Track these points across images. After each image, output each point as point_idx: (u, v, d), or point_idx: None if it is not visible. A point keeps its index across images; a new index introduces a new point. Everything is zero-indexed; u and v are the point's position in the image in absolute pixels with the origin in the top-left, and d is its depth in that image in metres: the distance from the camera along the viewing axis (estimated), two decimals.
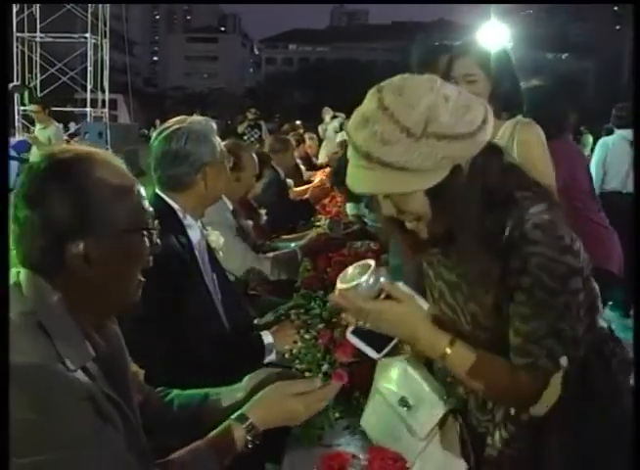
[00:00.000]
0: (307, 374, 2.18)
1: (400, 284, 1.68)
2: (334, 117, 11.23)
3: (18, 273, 1.44)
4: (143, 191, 1.56)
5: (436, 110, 1.45)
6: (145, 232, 1.52)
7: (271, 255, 3.76)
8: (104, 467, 1.35)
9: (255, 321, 2.97)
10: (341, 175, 4.42)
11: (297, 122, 10.93)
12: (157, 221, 1.57)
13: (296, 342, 2.29)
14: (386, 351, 1.69)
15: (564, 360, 1.55)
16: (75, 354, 1.38)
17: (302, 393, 1.66)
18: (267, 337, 2.61)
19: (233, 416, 1.62)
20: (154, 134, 2.75)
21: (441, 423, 1.71)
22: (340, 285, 1.63)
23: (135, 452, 1.45)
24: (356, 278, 1.62)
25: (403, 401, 1.76)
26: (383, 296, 1.62)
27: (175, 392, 1.88)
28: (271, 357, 2.58)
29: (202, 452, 1.54)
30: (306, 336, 2.27)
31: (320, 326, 2.29)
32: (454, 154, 1.46)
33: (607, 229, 4.14)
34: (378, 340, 1.67)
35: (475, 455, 1.75)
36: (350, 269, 1.67)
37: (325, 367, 2.18)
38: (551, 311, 1.51)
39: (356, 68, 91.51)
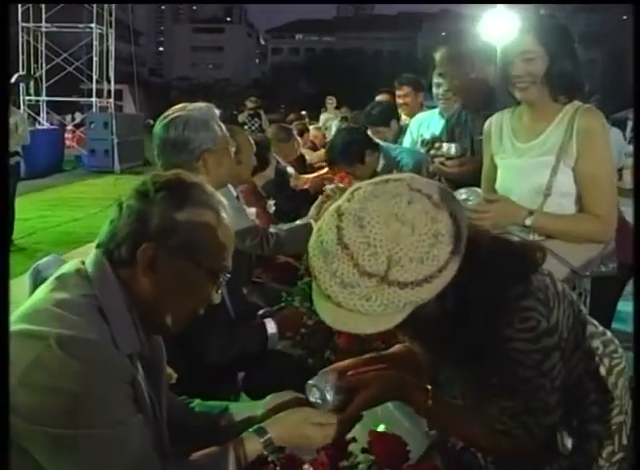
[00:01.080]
0: (310, 360, 2.19)
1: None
2: (344, 118, 11.15)
3: (82, 262, 1.53)
4: (232, 244, 1.62)
5: (400, 249, 1.34)
6: (215, 279, 1.58)
7: (286, 227, 3.71)
8: (129, 454, 1.39)
9: (261, 312, 2.96)
10: (333, 155, 4.44)
11: (302, 112, 10.89)
12: (227, 276, 1.61)
13: (299, 328, 2.30)
14: None
15: (537, 430, 1.56)
16: (127, 341, 1.46)
17: (323, 423, 1.68)
18: (270, 324, 2.61)
19: (252, 428, 1.65)
20: (156, 123, 2.75)
21: (423, 456, 1.73)
22: None
23: (157, 451, 1.50)
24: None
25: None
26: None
27: (197, 401, 1.92)
28: (274, 344, 2.58)
29: (218, 458, 1.57)
30: (309, 322, 2.27)
31: None
32: (417, 299, 1.37)
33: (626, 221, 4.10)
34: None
35: None
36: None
37: (327, 354, 2.18)
38: (525, 394, 1.53)
39: (363, 58, 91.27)
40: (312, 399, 1.63)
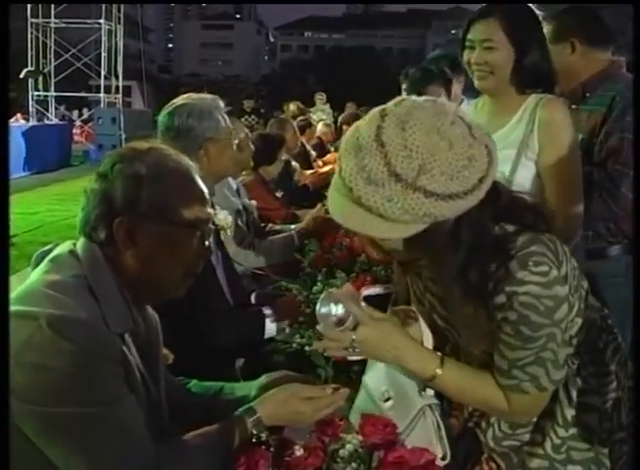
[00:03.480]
0: (307, 348, 2.20)
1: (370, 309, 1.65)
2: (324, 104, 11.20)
3: (74, 244, 1.56)
4: (206, 194, 1.63)
5: (434, 159, 1.34)
6: (194, 231, 1.59)
7: (269, 239, 3.74)
8: (119, 434, 1.40)
9: (254, 294, 2.98)
10: None
11: (294, 104, 10.79)
12: (221, 225, 1.62)
13: (296, 316, 2.31)
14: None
15: (547, 383, 1.55)
16: (118, 320, 1.48)
17: (313, 397, 1.68)
18: (268, 311, 2.62)
19: (242, 408, 1.66)
20: (160, 112, 2.79)
21: (417, 420, 1.71)
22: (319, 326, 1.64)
23: (153, 430, 1.50)
24: (323, 308, 1.60)
25: (385, 396, 1.78)
26: (350, 325, 1.59)
27: (194, 381, 1.94)
28: (271, 332, 2.59)
29: (210, 437, 1.58)
30: (307, 310, 2.29)
31: None
32: (437, 214, 1.36)
33: None
34: None
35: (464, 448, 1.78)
36: (318, 303, 1.64)
37: None
38: (536, 342, 1.50)
39: (372, 55, 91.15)
40: (322, 310, 1.61)
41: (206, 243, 1.64)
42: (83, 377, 1.35)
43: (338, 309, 1.59)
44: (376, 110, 1.44)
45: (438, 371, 1.60)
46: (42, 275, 1.49)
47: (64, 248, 1.56)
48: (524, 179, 2.53)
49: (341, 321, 1.59)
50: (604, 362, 1.73)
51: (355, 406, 1.89)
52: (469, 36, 2.55)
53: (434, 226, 1.40)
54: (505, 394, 1.58)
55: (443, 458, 1.68)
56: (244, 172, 4.29)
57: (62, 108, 23.55)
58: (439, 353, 1.65)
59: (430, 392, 1.72)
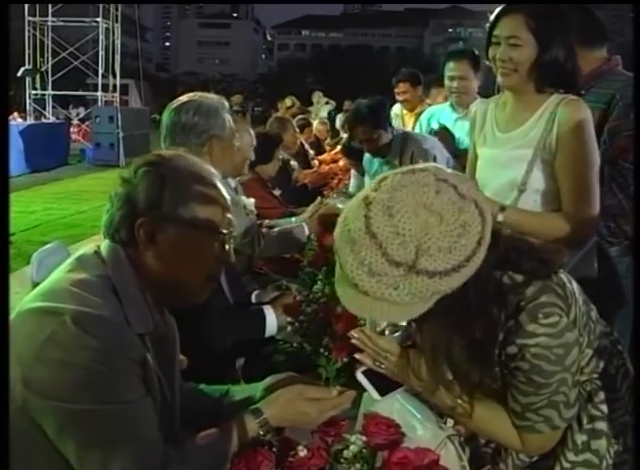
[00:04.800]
0: (308, 347, 2.19)
1: None
2: (326, 103, 11.24)
3: (98, 246, 1.59)
4: (228, 200, 1.65)
5: (428, 238, 1.33)
6: (214, 235, 1.60)
7: (277, 229, 3.73)
8: (133, 434, 1.41)
9: (254, 294, 2.98)
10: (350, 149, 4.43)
11: (289, 100, 10.78)
12: (233, 233, 1.65)
13: (297, 315, 2.30)
14: (388, 396, 1.74)
15: (559, 422, 1.57)
16: (139, 320, 1.50)
17: (318, 399, 1.68)
18: (268, 310, 2.62)
19: (249, 409, 1.66)
20: (166, 108, 2.81)
21: (439, 452, 1.68)
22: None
23: (164, 432, 1.51)
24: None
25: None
26: (409, 342, 1.66)
27: (202, 384, 1.95)
28: (272, 331, 2.59)
29: (216, 438, 1.58)
30: (308, 309, 2.28)
31: (322, 300, 2.30)
32: (444, 289, 1.36)
33: None
34: (385, 383, 1.72)
35: None
36: None
37: (326, 341, 2.19)
38: (548, 388, 1.52)
39: (369, 54, 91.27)
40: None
41: (227, 247, 1.64)
42: (104, 374, 1.37)
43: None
44: (359, 197, 1.42)
45: (459, 401, 1.62)
46: (67, 273, 1.51)
47: (89, 248, 1.59)
48: (538, 181, 2.50)
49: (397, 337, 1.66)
50: (615, 388, 1.74)
51: None
52: (495, 32, 2.51)
53: (442, 298, 1.40)
54: (519, 433, 1.60)
55: None
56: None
57: (58, 106, 23.49)
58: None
59: (450, 423, 1.74)
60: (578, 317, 1.59)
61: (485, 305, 1.49)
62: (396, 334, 1.73)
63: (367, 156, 4.84)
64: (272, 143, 5.00)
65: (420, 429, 1.73)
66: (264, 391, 1.80)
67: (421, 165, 1.45)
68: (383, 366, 1.67)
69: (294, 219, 3.94)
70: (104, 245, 1.58)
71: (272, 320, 2.58)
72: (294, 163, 6.37)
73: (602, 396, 1.71)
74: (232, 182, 3.59)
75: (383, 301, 1.37)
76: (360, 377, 1.73)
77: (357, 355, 1.73)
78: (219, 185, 1.64)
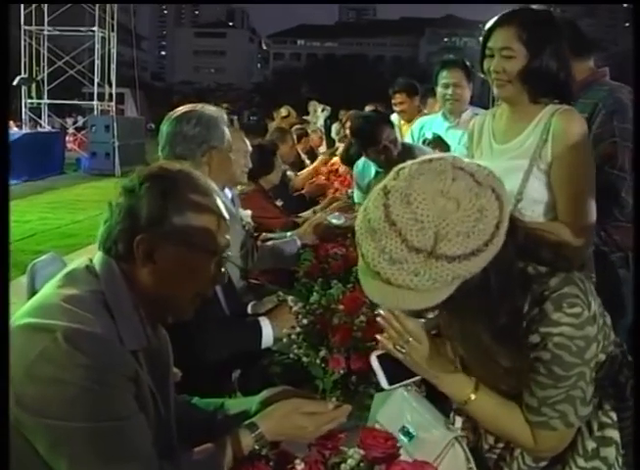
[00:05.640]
0: (305, 359, 2.19)
1: None
2: (323, 109, 11.26)
3: (90, 260, 1.57)
4: (228, 221, 1.65)
5: (447, 224, 1.35)
6: (213, 256, 1.61)
7: (270, 243, 3.75)
8: (128, 450, 1.40)
9: (250, 305, 2.98)
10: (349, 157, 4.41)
11: (284, 110, 10.79)
12: (228, 254, 1.66)
13: (294, 327, 2.30)
14: (397, 385, 1.74)
15: (574, 420, 1.58)
16: (132, 336, 1.49)
17: (314, 412, 1.68)
18: (265, 322, 2.61)
19: (244, 423, 1.66)
20: (165, 118, 2.81)
21: (446, 452, 1.70)
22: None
23: (160, 448, 1.50)
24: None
25: (404, 430, 1.76)
26: (434, 332, 1.68)
27: (196, 398, 1.94)
28: (268, 342, 2.58)
29: (211, 453, 1.58)
30: (304, 321, 2.28)
31: (318, 312, 2.30)
32: (464, 273, 1.38)
33: None
34: (397, 373, 1.72)
35: None
36: None
37: (322, 353, 2.19)
38: (567, 381, 1.53)
39: (364, 63, 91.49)
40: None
41: (222, 269, 1.65)
42: (96, 392, 1.35)
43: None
44: (378, 188, 1.45)
45: (472, 396, 1.65)
46: (58, 289, 1.49)
47: (80, 262, 1.57)
48: (535, 191, 2.51)
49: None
50: (624, 397, 1.74)
51: None
52: (489, 44, 2.53)
53: (464, 284, 1.42)
54: (532, 430, 1.61)
55: None
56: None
57: (54, 115, 23.48)
58: (474, 379, 1.68)
59: (457, 424, 1.73)
60: (597, 315, 1.60)
61: (509, 292, 1.51)
62: (421, 320, 1.72)
63: (359, 167, 4.84)
64: (269, 152, 5.02)
65: (428, 430, 1.73)
66: (260, 404, 1.79)
67: (439, 154, 1.49)
68: (403, 350, 1.66)
69: (289, 234, 3.95)
70: (97, 258, 1.56)
71: (268, 332, 2.58)
72: (290, 173, 6.38)
73: (612, 403, 1.72)
74: (229, 193, 3.59)
75: (405, 288, 1.39)
76: (373, 361, 1.73)
77: (379, 336, 1.72)
78: (221, 205, 1.64)
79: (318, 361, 2.17)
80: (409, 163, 1.46)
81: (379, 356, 1.73)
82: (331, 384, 2.13)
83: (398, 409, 1.80)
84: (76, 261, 1.58)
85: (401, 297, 1.41)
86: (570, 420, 1.57)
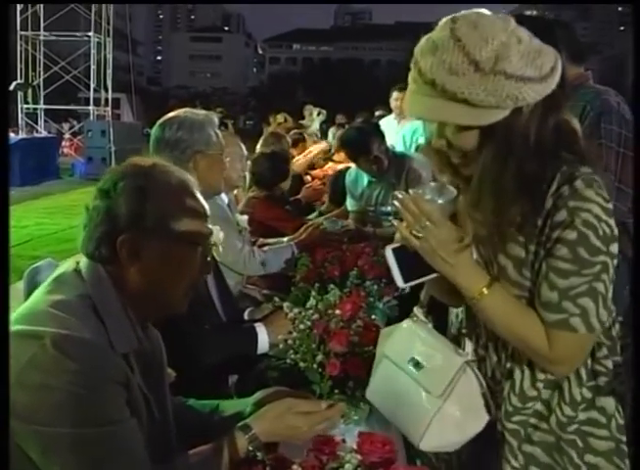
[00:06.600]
0: (302, 364, 2.19)
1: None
2: (318, 113, 11.26)
3: (77, 262, 1.55)
4: (207, 210, 1.65)
5: (508, 49, 1.44)
6: (196, 247, 1.59)
7: (266, 249, 3.76)
8: (120, 456, 1.39)
9: (247, 311, 2.98)
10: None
11: (281, 115, 10.76)
12: (213, 241, 1.65)
13: (290, 332, 2.30)
14: (412, 283, 1.63)
15: (595, 321, 1.52)
16: (122, 340, 1.48)
17: (308, 412, 1.68)
18: (260, 328, 2.62)
19: (238, 425, 1.65)
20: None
21: (458, 378, 1.66)
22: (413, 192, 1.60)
23: (156, 451, 1.50)
24: (428, 193, 1.59)
25: (413, 361, 1.71)
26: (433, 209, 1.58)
27: (192, 400, 1.93)
28: (264, 348, 2.59)
29: (206, 456, 1.57)
30: (301, 326, 2.28)
31: (315, 317, 2.30)
32: (518, 95, 1.44)
33: None
34: (412, 269, 1.61)
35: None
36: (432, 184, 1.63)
37: (319, 357, 2.19)
38: (592, 269, 1.50)
39: (360, 67, 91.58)
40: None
41: (208, 258, 1.64)
42: (85, 398, 1.35)
43: (439, 199, 1.59)
44: (446, 18, 1.52)
45: (485, 291, 1.58)
46: (46, 295, 1.48)
47: (68, 266, 1.55)
48: None
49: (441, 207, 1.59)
50: (616, 351, 1.71)
51: (377, 379, 1.83)
52: None
53: (511, 119, 1.48)
54: (549, 332, 1.55)
55: (489, 413, 1.68)
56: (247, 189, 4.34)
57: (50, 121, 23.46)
58: (488, 275, 1.63)
59: (468, 349, 1.71)
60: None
61: (542, 144, 1.53)
62: (440, 200, 1.61)
63: (352, 176, 4.86)
64: (284, 160, 5.12)
65: (437, 358, 1.69)
66: (254, 406, 1.79)
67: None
68: (420, 235, 1.56)
69: (285, 239, 3.96)
70: (83, 263, 1.54)
71: (264, 338, 2.58)
72: None
73: (605, 351, 1.69)
74: (225, 198, 3.60)
75: (457, 101, 1.45)
76: (389, 254, 1.61)
77: (395, 222, 1.64)
78: (198, 195, 1.63)
79: (315, 366, 2.17)
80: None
81: (394, 250, 1.62)
82: (328, 389, 2.13)
83: (406, 341, 1.76)
84: (65, 264, 1.57)
85: (452, 109, 1.46)
86: (590, 321, 1.51)
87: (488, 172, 1.55)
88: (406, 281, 1.62)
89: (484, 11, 1.52)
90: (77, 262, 1.55)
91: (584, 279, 1.50)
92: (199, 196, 1.63)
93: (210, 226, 2.83)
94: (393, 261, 1.61)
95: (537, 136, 1.52)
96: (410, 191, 1.60)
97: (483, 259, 1.70)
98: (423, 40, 1.53)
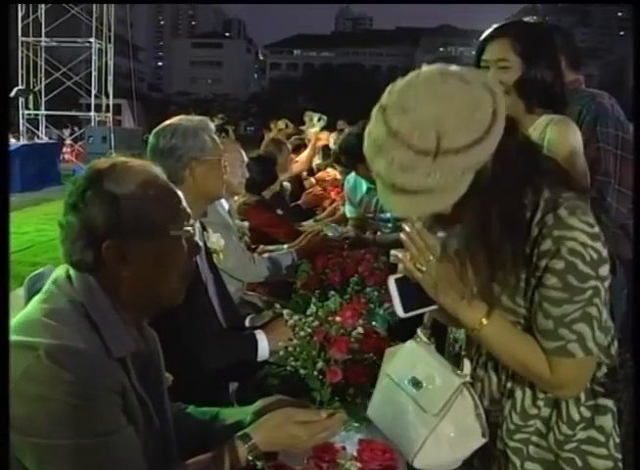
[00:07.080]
0: (302, 371, 2.19)
1: None
2: (319, 119, 11.26)
3: (68, 269, 1.53)
4: (181, 195, 1.63)
5: (444, 121, 1.41)
6: (181, 234, 1.58)
7: (266, 255, 3.76)
8: (117, 465, 1.39)
9: (248, 318, 2.98)
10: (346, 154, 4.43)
11: (281, 122, 10.73)
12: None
13: (290, 339, 2.30)
14: (412, 313, 1.66)
15: (592, 345, 1.54)
16: (118, 344, 1.47)
17: (308, 421, 1.67)
18: (260, 335, 2.62)
19: (237, 434, 1.64)
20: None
21: (454, 399, 1.67)
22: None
23: (156, 457, 1.50)
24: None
25: (413, 381, 1.73)
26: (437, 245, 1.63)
27: (191, 406, 1.92)
28: (264, 355, 2.58)
29: (205, 466, 1.56)
30: (301, 333, 2.28)
31: (315, 324, 2.30)
32: (474, 162, 1.44)
33: None
34: (413, 300, 1.65)
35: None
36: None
37: (320, 365, 2.19)
38: (583, 295, 1.51)
39: (361, 73, 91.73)
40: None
41: (195, 240, 1.64)
42: (81, 408, 1.34)
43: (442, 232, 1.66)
44: (374, 110, 1.52)
45: (484, 321, 1.60)
46: (40, 304, 1.47)
47: (60, 273, 1.54)
48: None
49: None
50: (616, 371, 1.71)
51: (377, 397, 1.85)
52: (484, 57, 2.54)
53: (477, 178, 1.47)
54: (549, 359, 1.57)
55: (483, 435, 1.68)
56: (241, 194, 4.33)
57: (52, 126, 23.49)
58: (486, 305, 1.63)
59: (466, 370, 1.71)
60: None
61: (514, 181, 1.54)
62: (440, 234, 1.69)
63: (351, 183, 4.85)
64: (270, 162, 5.09)
65: (436, 378, 1.70)
66: (254, 415, 1.78)
67: (426, 67, 1.55)
68: (423, 269, 1.60)
69: (285, 246, 3.96)
70: (72, 271, 1.52)
71: (264, 345, 2.57)
72: (286, 183, 6.38)
73: (604, 369, 1.69)
74: (226, 204, 3.60)
75: (421, 193, 1.45)
76: (391, 283, 1.65)
77: (399, 253, 1.67)
78: (165, 182, 1.61)
79: (315, 373, 2.17)
80: (398, 79, 1.52)
81: (396, 280, 1.66)
82: (328, 396, 2.13)
83: (407, 361, 1.78)
84: (58, 270, 1.55)
85: (421, 203, 1.47)
86: (587, 344, 1.52)
87: (473, 231, 1.58)
88: (406, 311, 1.66)
89: (406, 83, 1.50)
90: (68, 269, 1.54)
91: (577, 306, 1.52)
92: (166, 183, 1.61)
93: (211, 233, 2.84)
94: (395, 291, 1.65)
95: (505, 169, 1.52)
96: (416, 224, 1.63)
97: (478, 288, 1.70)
98: (366, 140, 1.53)
